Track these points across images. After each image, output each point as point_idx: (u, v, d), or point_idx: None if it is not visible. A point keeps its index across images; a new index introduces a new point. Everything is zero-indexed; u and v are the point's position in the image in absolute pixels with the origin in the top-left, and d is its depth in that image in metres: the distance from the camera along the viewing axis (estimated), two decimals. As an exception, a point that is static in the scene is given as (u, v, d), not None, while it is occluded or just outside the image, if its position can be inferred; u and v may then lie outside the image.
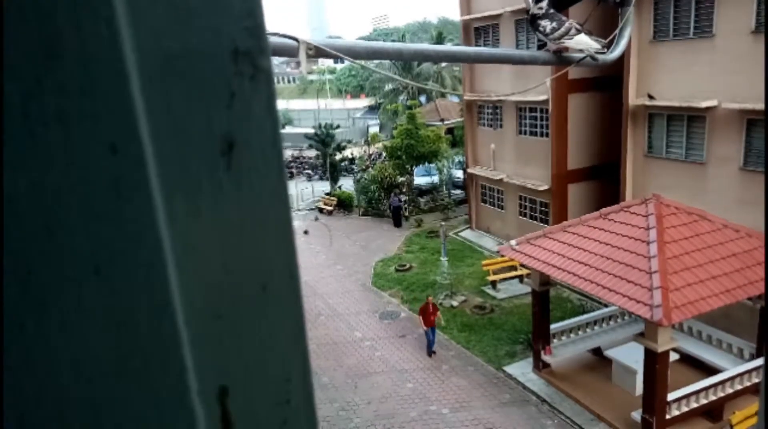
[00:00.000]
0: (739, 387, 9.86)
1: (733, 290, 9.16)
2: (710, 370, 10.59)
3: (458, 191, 26.06)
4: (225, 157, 0.34)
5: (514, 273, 16.20)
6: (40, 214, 0.27)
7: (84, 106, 0.28)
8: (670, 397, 9.47)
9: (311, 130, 31.93)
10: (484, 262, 17.28)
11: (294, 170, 36.99)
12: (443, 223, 20.29)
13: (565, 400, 11.10)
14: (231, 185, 0.34)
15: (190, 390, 0.31)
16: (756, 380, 9.84)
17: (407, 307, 16.14)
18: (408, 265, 18.97)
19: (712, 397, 9.80)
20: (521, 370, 12.19)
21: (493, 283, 16.28)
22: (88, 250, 0.29)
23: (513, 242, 11.72)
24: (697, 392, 9.72)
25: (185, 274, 0.32)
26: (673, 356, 9.93)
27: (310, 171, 35.79)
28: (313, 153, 34.42)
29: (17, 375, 0.28)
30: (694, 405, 9.73)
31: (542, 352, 11.77)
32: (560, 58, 3.04)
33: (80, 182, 0.28)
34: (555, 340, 11.91)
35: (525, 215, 19.05)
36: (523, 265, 12.89)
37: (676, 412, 9.57)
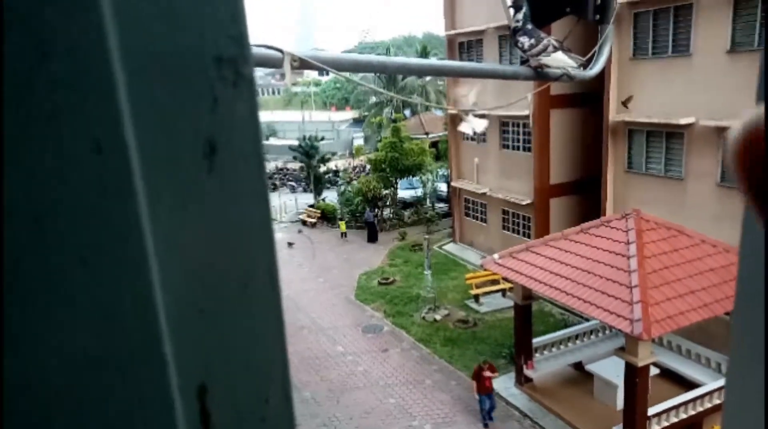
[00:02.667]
0: (717, 401, 9.94)
1: (711, 305, 9.27)
2: (689, 385, 10.68)
3: (442, 204, 26.16)
4: (207, 159, 0.34)
5: (496, 287, 16.25)
6: (29, 205, 0.28)
7: (71, 103, 0.29)
8: (651, 411, 9.51)
9: (295, 142, 31.87)
10: (468, 275, 17.32)
11: (277, 182, 36.82)
12: (427, 236, 20.30)
13: (547, 415, 11.09)
14: (213, 187, 0.35)
15: (171, 385, 0.31)
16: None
17: (390, 321, 16.06)
18: (391, 279, 18.91)
19: (692, 412, 9.87)
20: (504, 384, 12.15)
21: (476, 297, 16.30)
22: (75, 242, 0.29)
23: (496, 256, 11.75)
24: (677, 406, 9.78)
25: (167, 271, 0.32)
26: (653, 371, 10.00)
27: (293, 183, 35.67)
28: (297, 165, 34.32)
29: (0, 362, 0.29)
30: (674, 419, 9.78)
31: (524, 367, 11.76)
32: (540, 74, 3.07)
33: (67, 177, 0.29)
34: (537, 355, 11.92)
35: (508, 229, 19.17)
36: (505, 279, 12.93)
37: (656, 427, 9.61)
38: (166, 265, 0.32)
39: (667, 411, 9.70)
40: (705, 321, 9.28)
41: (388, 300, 17.36)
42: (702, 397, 9.92)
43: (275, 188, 35.91)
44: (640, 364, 9.18)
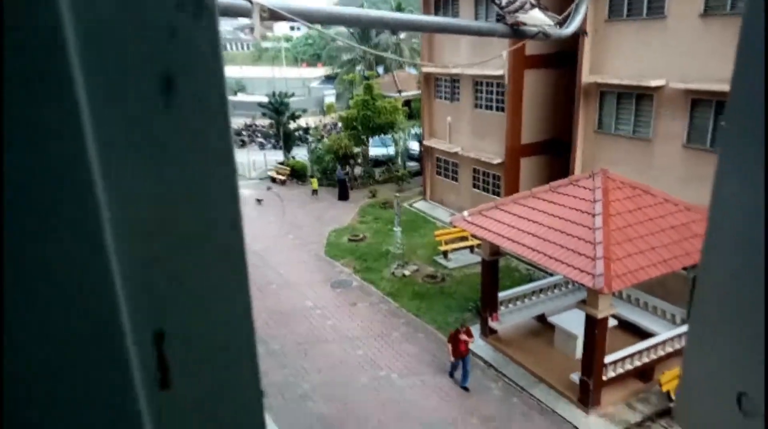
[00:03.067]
0: (669, 350, 10.47)
1: (670, 260, 9.64)
2: (645, 335, 11.18)
3: (413, 163, 26.14)
4: (164, 95, 0.32)
5: (465, 243, 16.50)
6: None
7: (11, 37, 0.26)
8: (607, 359, 9.96)
9: (265, 98, 31.08)
10: (437, 232, 17.51)
11: (246, 139, 36.06)
12: (397, 194, 20.34)
13: (510, 364, 11.50)
14: (170, 125, 0.32)
15: (124, 333, 0.31)
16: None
17: (359, 277, 16.19)
18: (361, 236, 18.98)
19: (645, 360, 10.38)
20: (469, 336, 12.50)
21: (445, 253, 16.54)
22: (18, 185, 0.27)
23: (465, 213, 11.88)
24: (631, 355, 10.27)
25: (120, 215, 0.30)
26: (612, 322, 10.42)
27: (262, 140, 34.99)
28: (266, 122, 33.58)
29: None
30: (629, 367, 10.28)
31: (489, 319, 12.10)
32: (516, 32, 3.04)
33: (9, 117, 0.27)
34: (502, 308, 12.26)
35: (478, 188, 19.35)
36: (474, 236, 13.12)
37: (611, 374, 10.09)
38: (118, 210, 0.30)
39: (622, 359, 10.17)
40: (663, 276, 9.65)
41: (358, 256, 17.47)
42: (655, 346, 10.43)
43: (244, 145, 35.17)
44: (600, 316, 9.54)
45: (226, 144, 0.35)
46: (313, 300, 15.10)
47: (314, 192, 23.92)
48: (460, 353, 10.83)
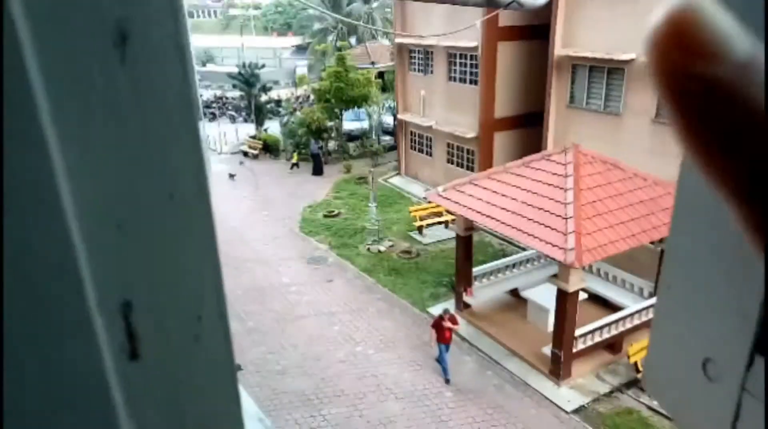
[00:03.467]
0: (637, 322, 10.83)
1: (639, 234, 9.87)
2: (614, 308, 11.53)
3: (388, 137, 25.97)
4: (118, 48, 0.30)
5: (440, 219, 16.60)
6: None
7: None
8: (577, 332, 10.26)
9: (235, 69, 30.28)
10: (412, 208, 17.56)
11: (216, 111, 35.21)
12: (372, 169, 20.25)
13: (483, 338, 11.76)
14: (127, 82, 0.30)
15: (88, 302, 0.30)
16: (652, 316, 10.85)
17: (335, 253, 16.20)
18: (336, 211, 18.92)
19: (614, 332, 10.72)
20: (444, 311, 12.70)
21: (420, 229, 16.63)
22: None
23: (440, 189, 11.91)
24: (600, 328, 10.59)
25: (78, 180, 0.29)
26: (582, 296, 10.69)
27: (233, 112, 34.23)
28: (236, 94, 32.79)
29: None
30: (598, 339, 10.61)
31: (464, 294, 12.29)
32: (489, 1, 2.98)
33: None
34: (476, 283, 12.45)
35: (452, 163, 19.38)
36: (448, 211, 13.20)
37: (581, 346, 10.41)
38: (76, 178, 0.29)
39: (592, 332, 10.49)
40: (632, 249, 9.90)
41: (333, 232, 17.44)
42: (624, 318, 10.77)
43: (214, 118, 34.36)
44: (571, 289, 9.78)
45: (186, 99, 0.33)
46: (288, 276, 15.09)
47: (295, 165, 23.56)
48: (444, 339, 10.60)
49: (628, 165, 11.30)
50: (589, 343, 10.50)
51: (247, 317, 13.15)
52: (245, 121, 31.47)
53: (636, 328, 10.83)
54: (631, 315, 10.82)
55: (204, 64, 48.35)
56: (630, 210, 10.25)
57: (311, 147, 23.41)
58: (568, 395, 10.18)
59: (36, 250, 0.28)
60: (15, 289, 0.28)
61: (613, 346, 10.89)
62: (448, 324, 10.60)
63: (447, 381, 10.66)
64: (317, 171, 22.94)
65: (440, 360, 10.83)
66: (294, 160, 23.65)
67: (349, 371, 11.17)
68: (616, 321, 10.72)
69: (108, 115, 0.30)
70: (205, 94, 38.41)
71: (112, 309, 0.32)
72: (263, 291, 14.35)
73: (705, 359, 0.42)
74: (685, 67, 0.16)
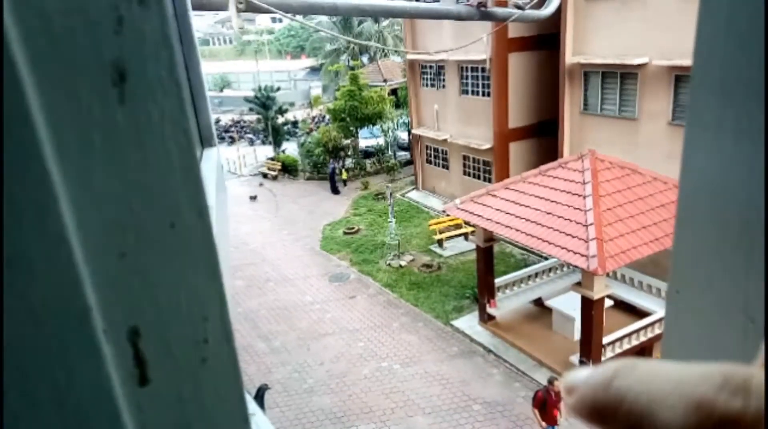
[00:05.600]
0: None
1: (662, 238, 9.76)
2: (641, 314, 11.35)
3: (403, 153, 26.13)
4: (117, 88, 0.31)
5: (459, 231, 16.60)
6: None
7: None
8: (605, 340, 10.12)
9: (251, 93, 30.87)
10: (431, 221, 17.59)
11: (235, 135, 35.86)
12: (389, 184, 20.37)
13: (510, 349, 11.66)
14: (126, 118, 0.32)
15: (96, 330, 0.30)
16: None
17: (356, 269, 16.28)
18: (356, 228, 19.04)
19: (643, 338, 10.55)
20: (468, 323, 12.66)
21: (440, 242, 16.64)
22: None
23: (457, 201, 11.95)
24: (629, 334, 10.44)
25: (82, 212, 0.30)
26: (608, 303, 10.57)
27: (251, 135, 34.82)
28: (254, 117, 33.39)
29: None
30: (627, 346, 10.45)
31: (487, 306, 12.23)
32: (484, 14, 3.06)
33: None
34: (499, 294, 12.39)
35: (469, 174, 19.41)
36: (467, 223, 13.20)
37: (610, 354, 10.26)
38: (80, 208, 0.30)
39: (620, 339, 10.34)
40: (656, 254, 9.78)
41: (354, 249, 17.54)
42: (652, 324, 10.60)
43: (233, 141, 34.98)
44: (596, 297, 9.68)
45: (183, 131, 0.34)
46: (311, 294, 15.19)
47: (344, 182, 23.56)
48: (552, 420, 8.61)
49: (647, 169, 11.22)
50: (618, 350, 10.35)
51: (272, 337, 13.26)
52: (263, 143, 31.98)
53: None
54: (659, 320, 10.64)
55: (221, 90, 49.35)
56: (651, 214, 10.16)
57: (330, 166, 23.65)
58: (598, 404, 10.01)
59: (42, 280, 0.28)
60: (22, 319, 0.28)
61: (643, 351, 10.71)
62: (556, 395, 8.41)
63: None
64: (334, 190, 23.14)
65: None
66: (344, 177, 23.65)
67: (376, 387, 11.17)
68: (645, 327, 10.56)
69: (108, 150, 0.32)
70: (223, 118, 39.15)
71: (120, 336, 0.33)
72: (287, 310, 14.47)
73: None
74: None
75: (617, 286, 11.95)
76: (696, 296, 0.44)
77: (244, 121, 37.50)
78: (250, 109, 31.15)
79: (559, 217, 10.16)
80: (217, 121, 38.82)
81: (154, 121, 0.33)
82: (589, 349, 9.97)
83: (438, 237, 16.66)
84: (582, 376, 0.22)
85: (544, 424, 8.65)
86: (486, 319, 12.34)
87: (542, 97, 17.27)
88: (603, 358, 10.15)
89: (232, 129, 37.08)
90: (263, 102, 29.36)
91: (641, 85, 13.37)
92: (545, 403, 8.58)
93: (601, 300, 9.88)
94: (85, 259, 0.30)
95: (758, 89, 0.38)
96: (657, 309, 11.16)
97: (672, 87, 12.64)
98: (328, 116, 28.14)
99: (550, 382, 8.77)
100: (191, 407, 0.37)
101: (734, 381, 0.19)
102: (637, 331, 10.49)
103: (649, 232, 9.83)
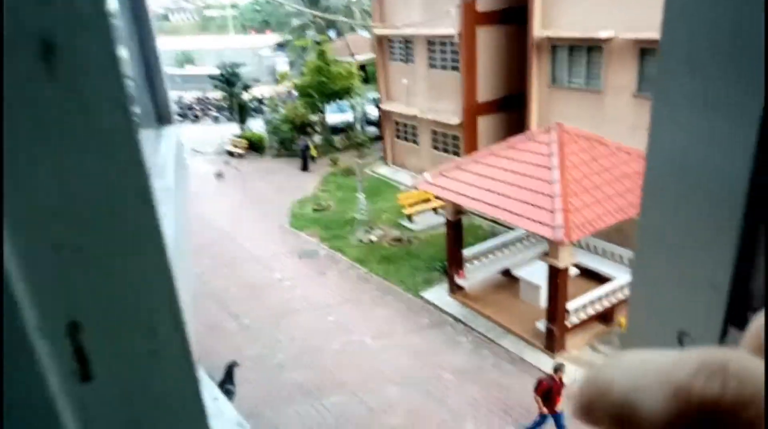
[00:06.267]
0: (628, 293, 10.95)
1: (626, 208, 10.00)
2: (606, 281, 11.66)
3: (372, 128, 25.95)
4: (44, 62, 0.28)
5: (429, 205, 16.65)
6: None
7: None
8: (570, 306, 10.38)
9: (215, 70, 30.03)
10: (400, 196, 17.59)
11: (199, 113, 34.94)
12: (359, 160, 20.24)
13: (478, 318, 11.86)
14: (57, 96, 0.29)
15: (27, 326, 0.29)
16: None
17: (326, 245, 16.21)
18: (325, 205, 18.91)
19: (606, 304, 10.87)
20: (438, 295, 12.80)
21: (410, 216, 16.68)
22: None
23: (427, 176, 11.96)
24: (592, 301, 10.73)
25: (9, 200, 0.28)
26: (574, 271, 10.81)
27: (216, 113, 33.99)
28: (218, 94, 32.54)
29: None
30: (591, 312, 10.75)
31: (456, 277, 12.37)
32: None
33: None
34: (468, 265, 12.53)
35: (438, 149, 19.44)
36: (437, 197, 13.25)
37: (575, 320, 10.54)
38: (10, 195, 0.27)
39: (584, 305, 10.62)
40: (620, 223, 10.02)
41: (323, 225, 17.43)
42: (614, 290, 10.92)
43: (197, 119, 34.10)
44: (561, 266, 9.89)
45: (124, 111, 0.32)
46: (281, 272, 15.07)
47: (313, 159, 23.07)
48: (555, 408, 8.42)
49: (612, 141, 11.42)
50: (582, 316, 10.64)
51: (242, 315, 13.14)
52: (229, 120, 31.26)
53: (627, 299, 10.97)
54: (622, 286, 10.97)
55: (183, 66, 47.89)
56: (616, 184, 10.38)
57: (300, 143, 23.25)
58: (564, 369, 10.30)
59: None
60: None
61: (606, 316, 11.05)
62: (560, 383, 8.36)
63: None
64: (304, 166, 22.85)
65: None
66: (313, 154, 23.08)
67: (348, 361, 11.22)
68: (607, 293, 10.86)
69: (38, 130, 0.28)
70: (187, 96, 38.08)
71: (57, 331, 0.30)
72: (256, 288, 14.33)
73: (680, 332, 0.43)
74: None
75: (583, 254, 12.22)
76: (661, 265, 0.45)
77: (209, 99, 36.54)
78: (215, 86, 30.30)
79: (527, 189, 10.27)
80: (180, 99, 37.76)
81: (89, 99, 0.30)
82: (555, 316, 10.22)
83: (408, 211, 16.69)
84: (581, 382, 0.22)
85: (545, 410, 8.49)
86: (455, 290, 12.49)
87: (510, 71, 17.32)
88: (568, 324, 10.42)
89: (196, 107, 36.11)
90: (228, 79, 28.62)
91: (607, 58, 13.53)
92: (550, 391, 8.44)
93: (567, 268, 10.10)
94: (14, 251, 0.28)
95: (725, 61, 0.37)
96: (620, 275, 11.48)
97: (637, 60, 12.82)
98: (295, 92, 27.66)
99: (556, 370, 8.66)
100: (142, 401, 0.35)
101: (711, 365, 0.18)
102: (600, 297, 10.79)
103: (613, 201, 10.05)
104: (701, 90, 0.39)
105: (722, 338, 0.40)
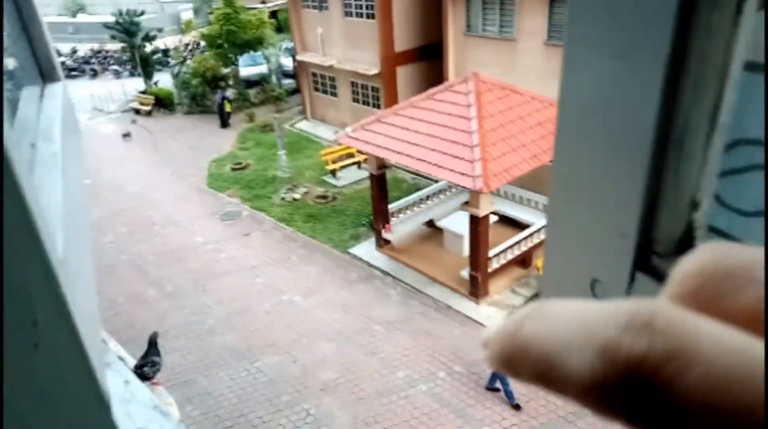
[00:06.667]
0: (543, 237, 11.61)
1: (540, 155, 10.41)
2: (523, 226, 12.26)
3: (289, 81, 24.98)
4: None
5: (352, 160, 16.52)
6: None
7: None
8: (491, 253, 10.86)
9: (111, 18, 27.41)
10: (323, 151, 17.30)
11: (97, 67, 32.06)
12: (277, 115, 19.56)
13: (406, 270, 12.16)
14: None
15: None
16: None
17: (248, 206, 15.78)
18: (244, 163, 18.27)
19: (524, 248, 11.46)
20: (365, 250, 12.93)
21: (333, 172, 16.51)
22: None
23: (348, 130, 11.78)
24: (511, 246, 11.28)
25: None
26: (493, 218, 11.24)
27: (117, 67, 31.31)
28: (117, 46, 29.87)
29: None
30: (510, 257, 11.32)
31: (383, 231, 12.51)
32: None
33: None
34: (393, 219, 12.69)
35: (358, 101, 19.13)
36: (360, 152, 13.14)
37: (496, 265, 11.07)
38: None
39: (503, 251, 11.15)
40: (535, 170, 10.45)
41: (244, 185, 16.90)
42: (531, 235, 11.51)
43: (95, 74, 31.31)
44: (482, 214, 10.24)
45: None
46: (202, 235, 14.57)
47: (228, 114, 21.64)
48: None
49: (526, 89, 11.71)
50: (503, 261, 11.18)
51: (164, 282, 12.67)
52: (131, 75, 28.92)
53: (543, 243, 11.62)
54: (538, 231, 11.58)
55: (74, 15, 43.35)
56: (530, 132, 10.73)
57: (217, 98, 21.90)
58: (487, 312, 10.88)
59: None
60: None
61: (524, 261, 11.68)
62: None
63: (517, 406, 8.91)
64: (223, 123, 21.68)
65: (493, 385, 9.16)
66: (228, 110, 21.62)
67: (278, 321, 11.21)
68: (525, 238, 11.44)
69: None
70: (81, 48, 34.71)
71: None
72: (178, 253, 13.81)
73: (593, 280, 0.43)
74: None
75: (501, 202, 12.72)
76: (573, 212, 0.45)
77: (107, 51, 33.50)
78: (112, 37, 27.72)
79: (447, 140, 10.40)
80: (74, 51, 34.33)
81: None
82: (477, 263, 10.66)
83: (331, 167, 16.49)
84: (495, 328, 0.20)
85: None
86: (382, 244, 12.67)
87: (427, 19, 17.10)
88: (490, 270, 10.93)
89: (93, 60, 33.07)
90: (126, 28, 26.25)
91: (519, 5, 13.66)
92: None
93: (487, 217, 10.48)
94: None
95: (635, 6, 0.36)
96: (536, 221, 12.10)
97: (547, 6, 13.05)
98: (203, 43, 25.94)
99: None
100: (25, 398, 0.32)
101: (639, 318, 0.17)
102: (518, 242, 11.35)
103: (528, 149, 10.42)
104: (610, 34, 0.38)
105: (630, 284, 0.41)
